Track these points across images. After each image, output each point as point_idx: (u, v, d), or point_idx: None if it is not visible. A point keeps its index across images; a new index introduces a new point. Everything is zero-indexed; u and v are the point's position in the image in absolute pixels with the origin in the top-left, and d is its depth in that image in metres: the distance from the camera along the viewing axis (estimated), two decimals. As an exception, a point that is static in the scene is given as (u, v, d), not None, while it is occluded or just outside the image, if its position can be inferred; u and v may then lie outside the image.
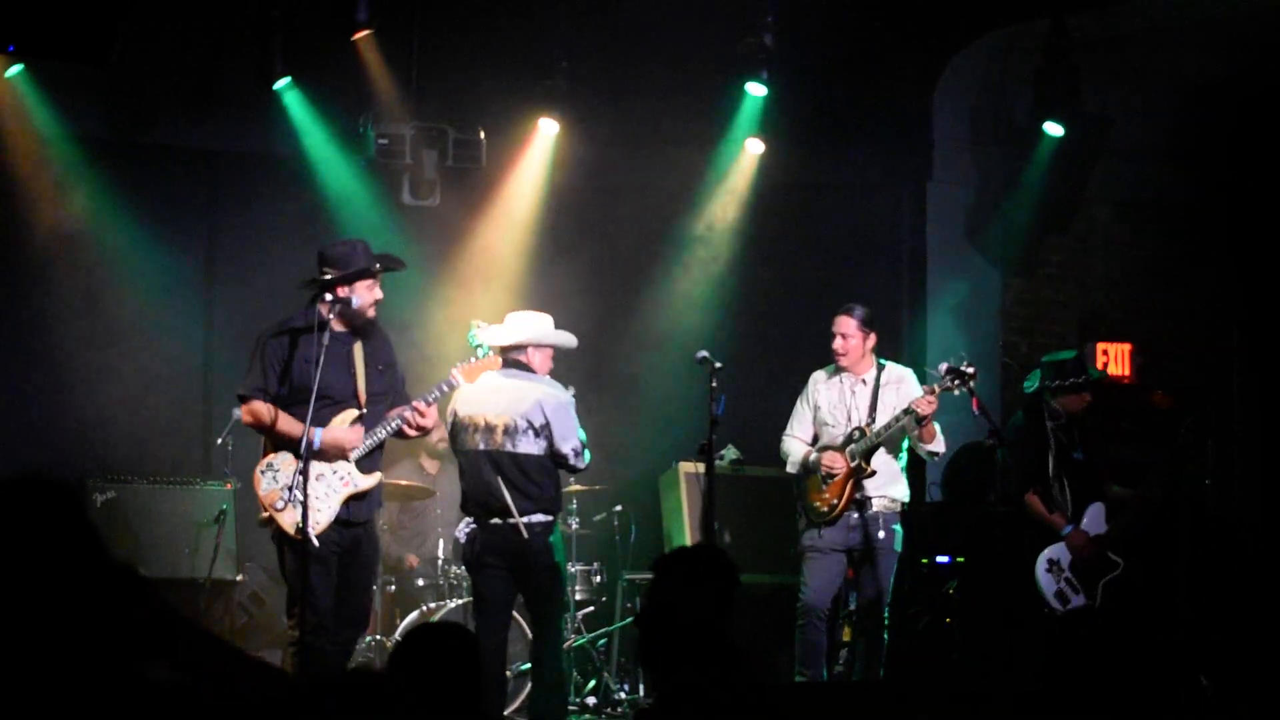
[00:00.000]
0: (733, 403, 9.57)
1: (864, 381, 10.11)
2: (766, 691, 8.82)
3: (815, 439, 10.20)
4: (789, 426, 10.26)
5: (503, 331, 9.37)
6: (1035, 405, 10.54)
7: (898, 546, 10.01)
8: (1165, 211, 13.46)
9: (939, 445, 10.02)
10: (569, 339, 9.58)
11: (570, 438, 9.37)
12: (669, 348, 12.11)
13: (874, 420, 9.94)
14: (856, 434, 9.92)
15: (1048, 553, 10.22)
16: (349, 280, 8.61)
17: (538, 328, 9.49)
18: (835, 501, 9.89)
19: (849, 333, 10.05)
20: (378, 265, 8.72)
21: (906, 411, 9.70)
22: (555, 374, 9.54)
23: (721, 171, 12.81)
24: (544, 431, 9.30)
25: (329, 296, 8.45)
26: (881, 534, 9.90)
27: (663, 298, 12.74)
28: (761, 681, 9.30)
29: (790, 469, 10.23)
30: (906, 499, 10.12)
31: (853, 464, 9.87)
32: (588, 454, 9.48)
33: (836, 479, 9.90)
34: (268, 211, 12.24)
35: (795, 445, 10.19)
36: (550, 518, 9.43)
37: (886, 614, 9.95)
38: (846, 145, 12.95)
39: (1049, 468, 10.32)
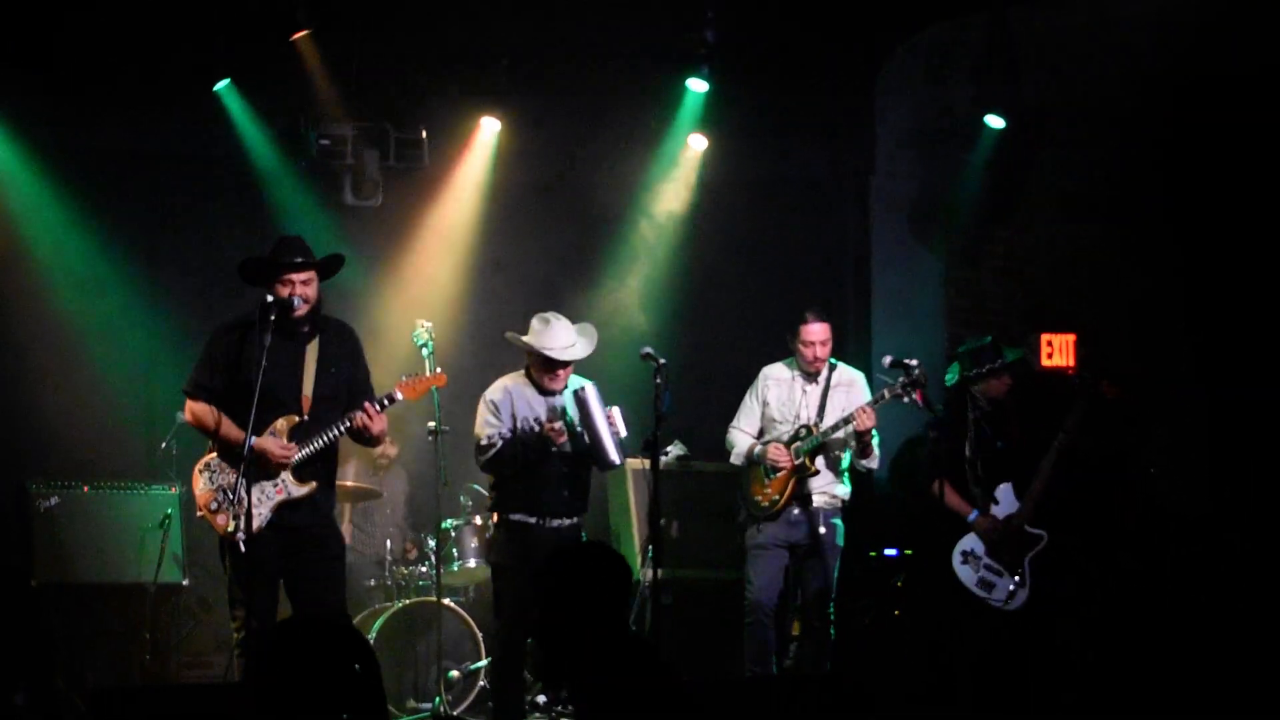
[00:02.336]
0: (678, 398, 9.57)
1: (815, 381, 10.13)
2: (708, 688, 8.88)
3: (761, 433, 10.23)
4: (736, 419, 10.33)
5: None
6: (958, 397, 10.52)
7: (840, 541, 10.04)
8: (1108, 202, 13.49)
9: (874, 462, 10.12)
10: (525, 341, 9.63)
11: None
12: (613, 344, 12.07)
13: (822, 420, 9.97)
14: (803, 432, 9.96)
15: (960, 545, 10.17)
16: (245, 276, 8.63)
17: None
18: (777, 497, 9.93)
19: (828, 339, 10.08)
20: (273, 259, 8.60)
21: (847, 420, 9.76)
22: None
23: (664, 168, 12.80)
24: None
25: (270, 297, 8.40)
26: (823, 529, 9.94)
27: (606, 295, 12.71)
28: (700, 676, 9.36)
29: (735, 460, 10.29)
30: (847, 496, 10.14)
31: (797, 461, 9.89)
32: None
33: (780, 474, 9.93)
34: (209, 214, 12.19)
35: (741, 438, 10.24)
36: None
37: (831, 609, 9.97)
38: (789, 140, 12.96)
39: (964, 457, 10.28)
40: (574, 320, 9.79)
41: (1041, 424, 10.24)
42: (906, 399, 9.78)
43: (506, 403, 9.61)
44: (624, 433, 9.69)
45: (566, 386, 9.66)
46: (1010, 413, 10.36)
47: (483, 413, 9.62)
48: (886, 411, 10.12)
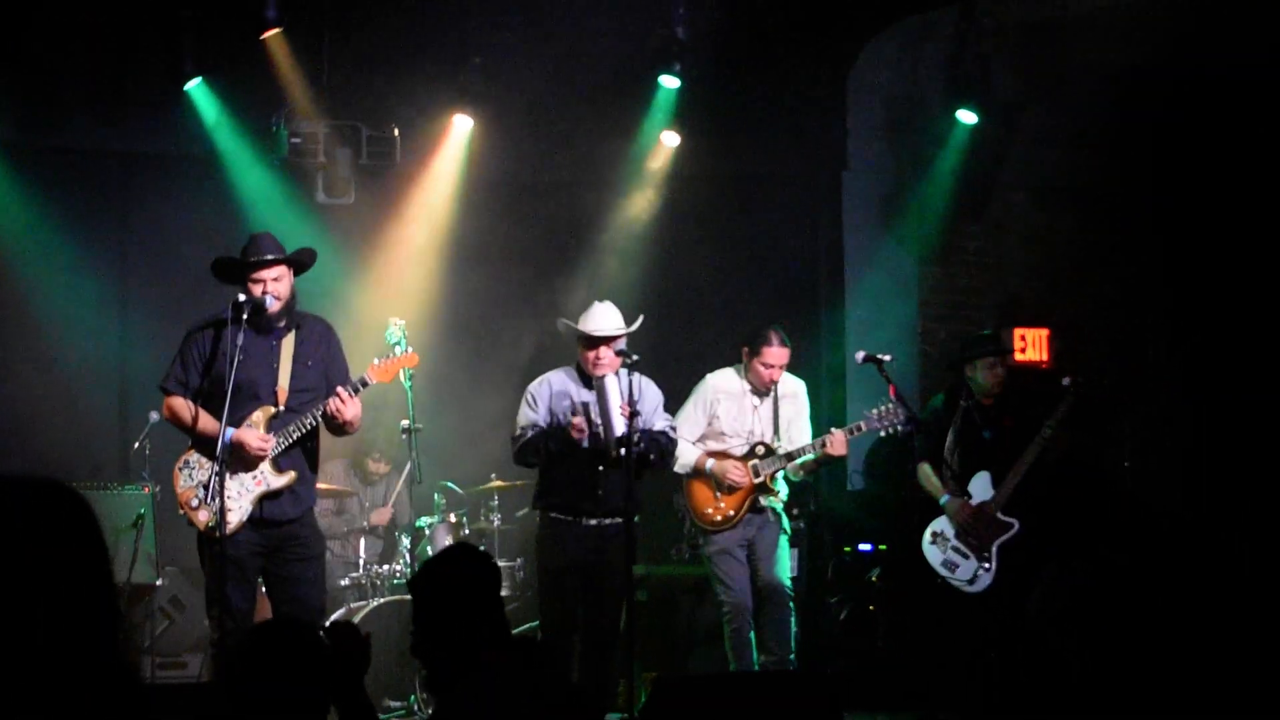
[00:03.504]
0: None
1: (765, 395, 10.08)
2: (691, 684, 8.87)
3: (700, 440, 10.14)
4: (679, 426, 10.04)
5: None
6: (956, 385, 10.55)
7: (786, 528, 10.04)
8: (1081, 197, 13.51)
9: (811, 477, 10.15)
10: (568, 324, 9.54)
11: None
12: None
13: (777, 435, 9.96)
14: (762, 450, 9.92)
15: (932, 525, 10.26)
16: (220, 276, 8.60)
17: None
18: (732, 513, 9.90)
19: (785, 363, 10.01)
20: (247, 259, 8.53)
21: (821, 446, 9.76)
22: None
23: (636, 164, 12.81)
24: None
25: (241, 296, 8.38)
26: (770, 520, 9.94)
27: (578, 291, 12.69)
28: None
29: (679, 469, 10.11)
30: (785, 492, 10.12)
31: (757, 480, 9.87)
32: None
33: (739, 493, 9.90)
34: (181, 213, 12.17)
35: (686, 447, 10.06)
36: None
37: (789, 584, 9.95)
38: (761, 136, 12.95)
39: (947, 442, 10.32)
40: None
41: (1025, 418, 10.25)
42: (884, 433, 9.80)
43: (544, 393, 9.49)
44: (658, 425, 9.48)
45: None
46: (1002, 405, 10.37)
47: (522, 404, 9.54)
48: (862, 410, 10.12)
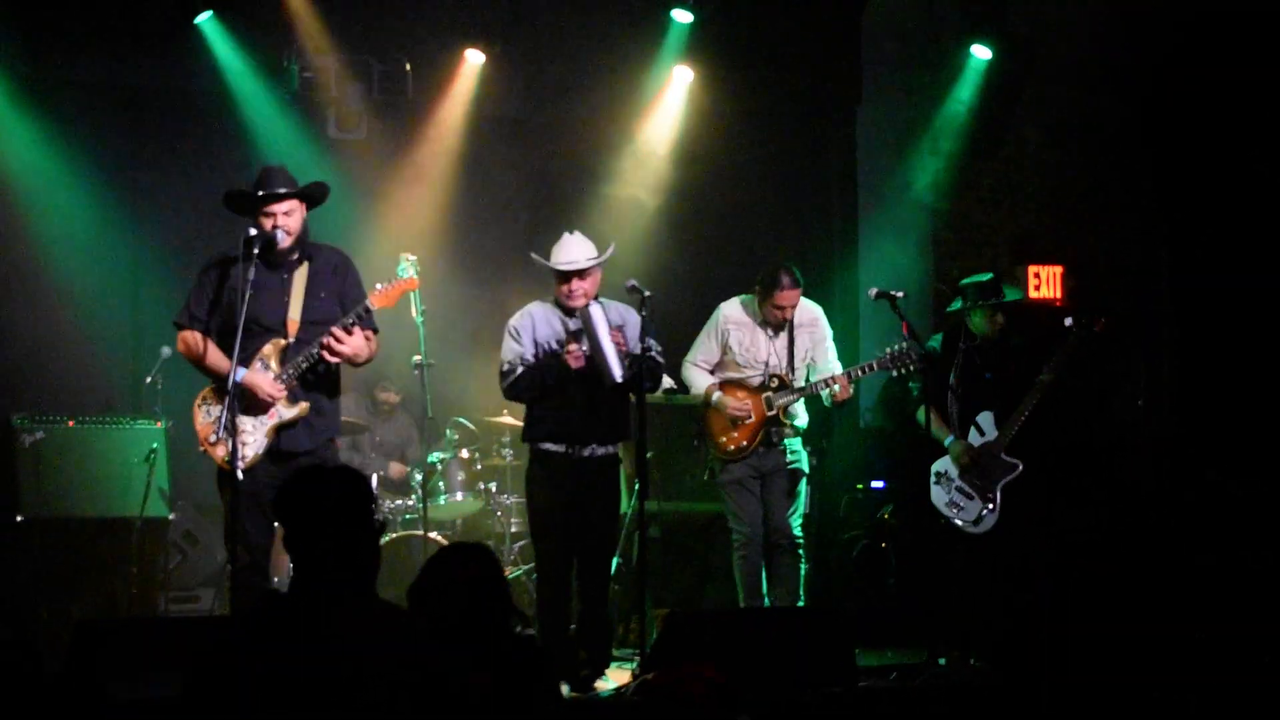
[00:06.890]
0: (663, 331, 9.51)
1: (779, 328, 10.04)
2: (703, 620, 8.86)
3: (715, 367, 10.13)
4: (693, 354, 10.15)
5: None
6: (953, 327, 10.51)
7: (804, 466, 10.01)
8: (1094, 134, 13.47)
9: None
10: (538, 259, 9.42)
11: None
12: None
13: (793, 367, 9.92)
14: (775, 382, 9.88)
15: (935, 466, 10.20)
16: (233, 208, 8.56)
17: None
18: (745, 444, 9.87)
19: (796, 303, 9.96)
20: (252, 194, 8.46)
21: (826, 384, 9.74)
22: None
23: (650, 99, 12.77)
24: None
25: (252, 230, 8.33)
26: (789, 455, 9.91)
27: (591, 227, 12.64)
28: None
29: (692, 398, 10.18)
30: (805, 423, 10.08)
31: (770, 412, 9.84)
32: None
33: (750, 424, 9.87)
34: (193, 148, 12.15)
35: (700, 376, 10.10)
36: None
37: (800, 533, 9.93)
38: (776, 71, 12.89)
39: (949, 384, 10.29)
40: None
41: (1029, 357, 10.22)
42: (896, 373, 9.76)
43: (528, 326, 9.34)
44: (659, 354, 9.33)
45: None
46: (1004, 347, 10.34)
47: (505, 339, 9.37)
48: (874, 345, 10.09)
